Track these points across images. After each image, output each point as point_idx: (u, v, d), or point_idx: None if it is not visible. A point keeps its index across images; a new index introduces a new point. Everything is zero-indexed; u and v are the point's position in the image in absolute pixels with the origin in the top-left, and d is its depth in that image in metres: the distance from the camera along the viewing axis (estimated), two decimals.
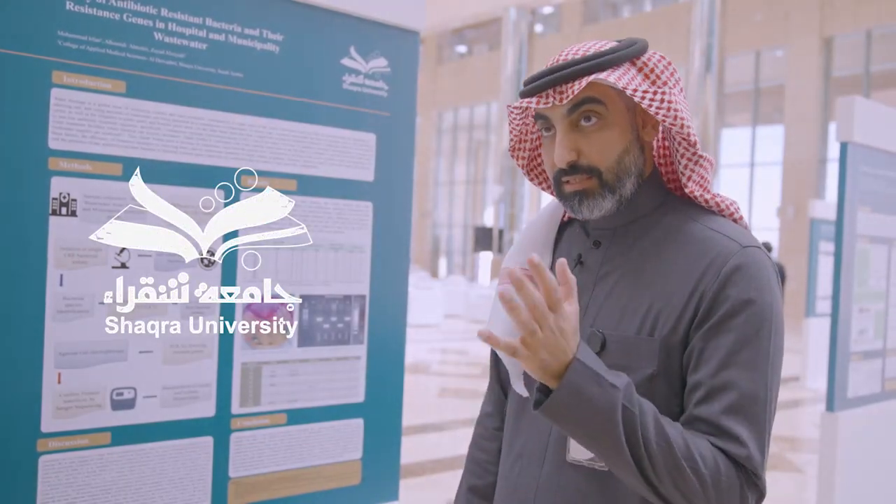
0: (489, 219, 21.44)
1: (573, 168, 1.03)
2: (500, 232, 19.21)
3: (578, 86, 0.99)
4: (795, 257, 12.53)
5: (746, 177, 15.89)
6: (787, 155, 15.00)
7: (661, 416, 0.94)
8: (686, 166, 1.07)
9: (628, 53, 1.02)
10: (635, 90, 1.00)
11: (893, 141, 2.95)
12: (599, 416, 0.89)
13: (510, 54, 19.11)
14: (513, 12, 19.07)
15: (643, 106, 1.01)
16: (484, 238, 19.90)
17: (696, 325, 0.98)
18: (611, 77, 0.99)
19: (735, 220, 1.08)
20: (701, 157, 1.06)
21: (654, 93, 1.01)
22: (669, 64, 1.05)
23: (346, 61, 1.63)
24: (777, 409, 1.02)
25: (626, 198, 1.06)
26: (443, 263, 24.06)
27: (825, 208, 7.81)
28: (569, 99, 1.00)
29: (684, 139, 1.05)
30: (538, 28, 20.44)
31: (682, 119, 1.02)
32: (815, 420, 6.05)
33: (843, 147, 2.77)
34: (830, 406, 2.78)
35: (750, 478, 0.95)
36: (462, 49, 23.65)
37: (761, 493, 0.96)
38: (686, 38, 14.39)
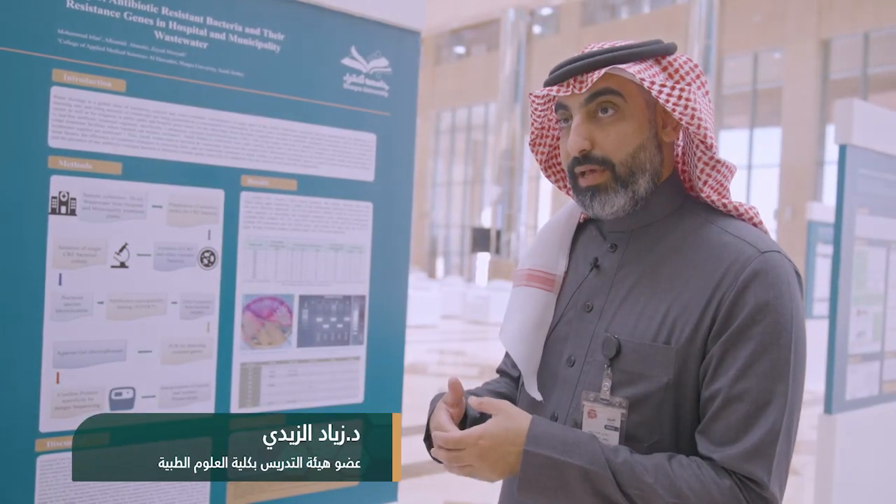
0: (487, 220, 21.45)
1: (586, 158, 1.02)
2: (498, 233, 19.21)
3: (598, 74, 0.99)
4: (793, 259, 12.53)
5: (744, 179, 15.90)
6: (784, 157, 15.02)
7: (641, 460, 0.93)
8: (702, 171, 1.05)
9: (653, 50, 1.02)
10: (652, 83, 0.99)
11: (892, 143, 2.96)
12: (565, 493, 0.94)
13: (508, 55, 19.12)
14: (511, 13, 19.09)
15: (660, 101, 1.00)
16: (481, 239, 19.90)
17: (713, 334, 0.96)
18: (630, 69, 0.99)
19: (755, 225, 1.06)
20: (718, 161, 1.04)
21: (672, 87, 1.00)
22: (696, 66, 1.04)
23: (346, 61, 1.62)
24: None
25: (641, 196, 1.04)
26: (440, 264, 24.05)
27: (823, 210, 7.82)
28: (588, 87, 1.01)
29: (701, 141, 1.03)
30: (536, 29, 20.45)
31: (699, 119, 1.00)
32: (812, 422, 6.05)
33: (842, 149, 2.77)
34: (828, 408, 2.78)
35: (752, 492, 0.92)
36: (460, 50, 23.65)
37: None
38: (684, 39, 14.42)
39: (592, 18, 19.28)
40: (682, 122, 1.01)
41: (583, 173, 1.04)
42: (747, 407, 0.93)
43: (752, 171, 15.96)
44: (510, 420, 0.97)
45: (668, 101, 1.00)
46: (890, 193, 3.01)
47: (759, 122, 16.12)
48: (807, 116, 14.66)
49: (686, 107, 1.00)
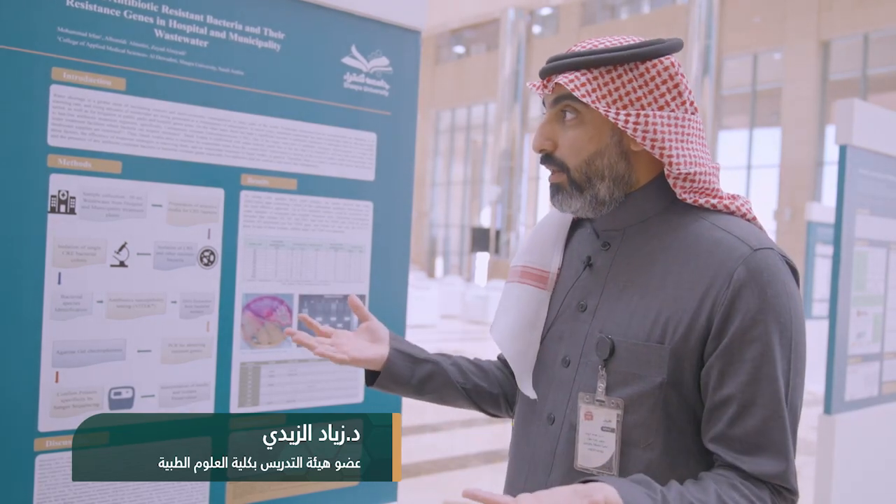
0: (486, 219, 21.45)
1: (547, 158, 1.06)
2: (497, 232, 19.22)
3: (552, 82, 1.05)
4: (791, 258, 12.52)
5: (743, 179, 15.91)
6: (784, 157, 15.02)
7: (692, 490, 0.90)
8: (675, 183, 1.04)
9: (629, 55, 1.00)
10: (596, 100, 1.00)
11: (892, 144, 2.95)
12: None
13: (508, 55, 19.14)
14: (511, 13, 19.10)
15: (601, 112, 1.00)
16: (481, 238, 19.90)
17: (712, 338, 0.95)
18: (576, 81, 1.00)
19: (748, 220, 1.05)
20: (687, 174, 1.02)
21: (626, 106, 1.00)
22: (675, 76, 1.02)
23: (347, 60, 1.62)
24: None
25: (604, 199, 1.05)
26: (439, 264, 24.06)
27: (822, 211, 7.82)
28: (549, 91, 1.05)
29: (660, 157, 1.02)
30: (536, 29, 20.45)
31: (652, 140, 1.00)
32: (812, 423, 6.06)
33: (842, 150, 2.77)
34: (828, 409, 2.78)
35: (786, 500, 0.93)
36: (460, 49, 23.64)
37: None
38: (684, 39, 14.40)
39: (592, 18, 19.28)
40: (637, 140, 1.01)
41: (547, 170, 1.09)
42: (763, 411, 0.93)
43: (751, 171, 15.97)
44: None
45: (616, 117, 1.00)
46: (890, 194, 3.01)
47: (759, 122, 16.12)
48: (806, 117, 14.67)
49: (645, 129, 1.00)
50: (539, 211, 20.66)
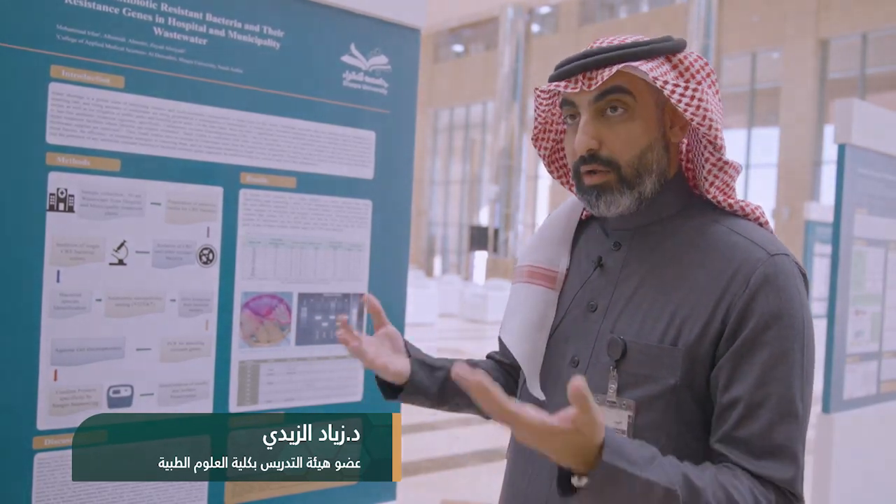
0: (484, 218, 21.45)
1: (592, 157, 1.00)
2: (496, 231, 19.22)
3: (609, 71, 0.96)
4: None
5: (742, 178, 15.93)
6: (782, 157, 15.04)
7: (694, 473, 0.88)
8: (710, 171, 1.03)
9: (664, 48, 1.00)
10: (665, 83, 0.97)
11: (891, 143, 2.96)
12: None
13: (507, 54, 19.13)
14: (510, 12, 19.09)
15: (672, 101, 0.97)
16: (479, 237, 19.91)
17: (725, 340, 0.95)
18: (642, 67, 0.97)
19: (761, 224, 1.05)
20: (726, 163, 1.02)
21: (686, 88, 0.98)
22: (706, 64, 1.02)
23: (346, 58, 1.62)
24: None
25: (647, 196, 1.02)
26: (438, 262, 24.06)
27: (820, 210, 7.84)
28: (597, 85, 0.98)
29: (710, 142, 1.01)
30: (535, 28, 20.44)
31: (710, 120, 0.98)
32: (810, 421, 6.06)
33: (841, 149, 2.77)
34: (826, 407, 2.78)
35: (791, 502, 0.93)
36: (459, 48, 23.63)
37: None
38: (683, 38, 14.41)
39: (591, 17, 19.28)
40: (694, 124, 0.99)
41: (588, 172, 1.02)
42: (770, 414, 0.92)
43: (749, 170, 15.98)
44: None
45: (680, 101, 0.97)
46: (889, 193, 3.01)
47: (758, 121, 16.14)
48: (805, 116, 14.68)
49: (698, 108, 0.97)
50: (538, 210, 20.67)
